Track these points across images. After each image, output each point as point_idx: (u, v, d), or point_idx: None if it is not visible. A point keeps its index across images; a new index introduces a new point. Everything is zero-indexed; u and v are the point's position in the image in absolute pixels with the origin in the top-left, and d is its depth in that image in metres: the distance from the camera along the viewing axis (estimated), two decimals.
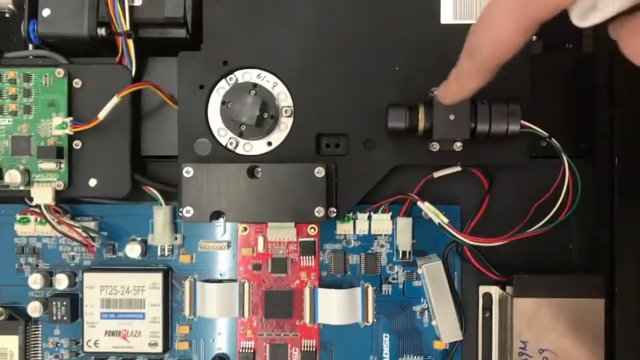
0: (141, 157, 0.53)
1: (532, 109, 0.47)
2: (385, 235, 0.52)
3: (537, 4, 0.29)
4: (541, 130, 0.47)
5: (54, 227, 0.50)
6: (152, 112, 0.53)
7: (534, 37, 0.52)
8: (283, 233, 0.51)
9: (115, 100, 0.48)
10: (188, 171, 0.48)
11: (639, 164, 0.48)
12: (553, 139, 0.47)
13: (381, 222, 0.51)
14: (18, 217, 0.52)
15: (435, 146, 0.48)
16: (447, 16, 0.49)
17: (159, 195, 0.52)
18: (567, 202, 0.48)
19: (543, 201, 0.49)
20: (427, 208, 0.49)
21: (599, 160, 0.51)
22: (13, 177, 0.49)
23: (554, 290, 0.45)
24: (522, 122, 0.46)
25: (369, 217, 0.51)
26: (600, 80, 0.51)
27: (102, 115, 0.48)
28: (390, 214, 0.51)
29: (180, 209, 0.48)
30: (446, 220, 0.48)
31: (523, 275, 0.46)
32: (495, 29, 0.31)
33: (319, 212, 0.47)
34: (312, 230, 0.51)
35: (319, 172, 0.47)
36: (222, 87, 0.50)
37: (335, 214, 0.49)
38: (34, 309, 0.52)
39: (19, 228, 0.52)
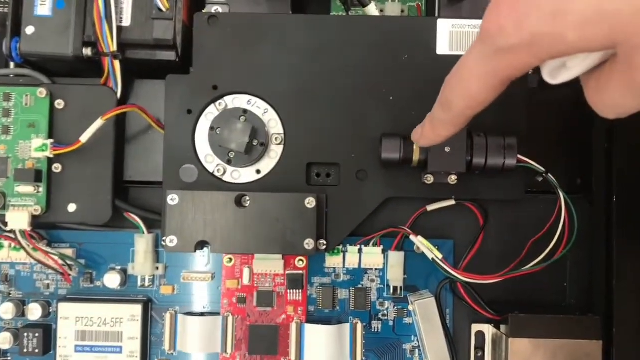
0: (123, 182, 0.51)
1: (528, 143, 0.47)
2: (376, 269, 0.51)
3: (506, 64, 0.30)
4: (538, 166, 0.46)
5: (28, 253, 0.48)
6: (136, 136, 0.51)
7: (530, 71, 0.52)
8: (270, 265, 0.49)
9: (99, 122, 0.46)
10: (173, 198, 0.46)
11: (637, 201, 0.47)
12: (550, 175, 0.47)
13: (372, 256, 0.50)
14: None
15: (430, 179, 0.47)
16: (443, 47, 0.48)
17: (141, 223, 0.50)
18: (564, 238, 0.47)
19: (538, 237, 0.48)
20: (420, 242, 0.47)
21: (595, 196, 0.50)
22: None
23: (551, 331, 0.44)
24: (519, 156, 0.46)
25: (360, 250, 0.50)
26: (597, 114, 0.50)
27: (84, 138, 0.47)
28: (382, 247, 0.50)
29: (164, 238, 0.46)
30: (440, 256, 0.47)
31: (519, 315, 0.45)
32: (467, 86, 0.33)
33: (309, 244, 0.46)
34: (301, 262, 0.50)
35: (310, 202, 0.46)
36: (211, 113, 0.49)
37: (325, 247, 0.47)
38: (4, 340, 0.50)
39: None
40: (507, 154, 0.45)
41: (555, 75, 0.31)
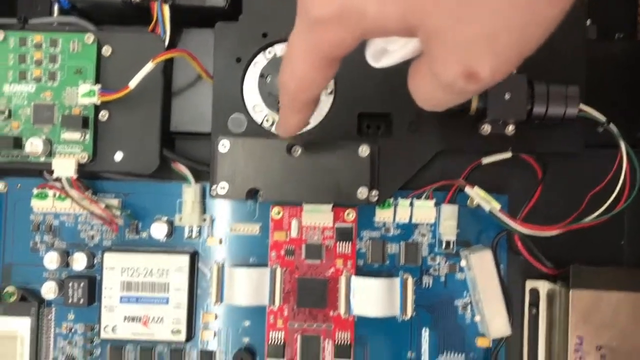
0: (170, 133, 0.50)
1: (588, 95, 0.46)
2: (428, 224, 0.50)
3: (321, 39, 0.30)
4: (599, 115, 0.45)
5: (75, 201, 0.48)
6: (183, 87, 0.51)
7: (589, 21, 0.51)
8: (319, 217, 0.49)
9: (149, 66, 0.46)
10: (224, 144, 0.45)
11: None
12: (612, 124, 0.45)
13: (424, 210, 0.49)
14: (35, 191, 0.49)
15: (487, 129, 0.46)
16: None
17: (188, 173, 0.49)
18: (624, 192, 0.46)
19: (598, 191, 0.47)
20: (476, 194, 0.47)
21: None
22: (35, 146, 0.47)
23: (614, 283, 0.43)
24: (581, 106, 0.45)
25: (411, 204, 0.49)
26: None
27: (133, 83, 0.46)
28: (434, 200, 0.49)
29: (214, 186, 0.46)
30: (498, 207, 0.46)
31: (581, 266, 0.44)
32: (294, 66, 0.32)
33: (362, 193, 0.45)
34: (350, 215, 0.49)
35: (363, 150, 0.45)
36: (260, 62, 0.48)
37: (376, 198, 0.47)
38: (49, 290, 0.49)
39: (35, 204, 0.49)
40: (568, 102, 0.44)
41: (378, 58, 0.31)
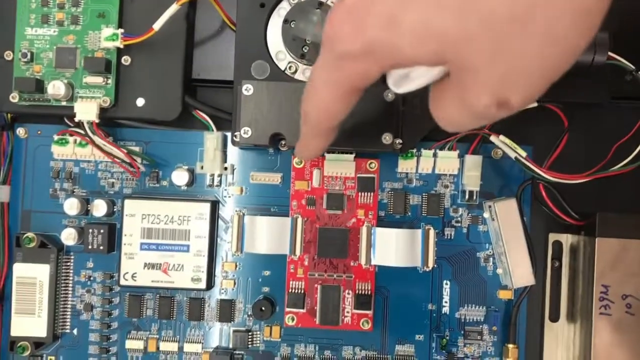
0: (192, 81, 0.50)
1: (615, 44, 0.45)
2: (451, 175, 0.49)
3: (348, 71, 0.30)
4: (627, 63, 0.45)
5: (96, 145, 0.48)
6: (206, 34, 0.51)
7: None
8: (341, 167, 0.48)
9: (174, 7, 0.46)
10: (247, 89, 0.45)
11: None
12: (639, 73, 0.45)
13: (447, 161, 0.48)
14: (56, 137, 0.49)
15: None
16: None
17: (210, 121, 0.49)
18: None
19: (623, 143, 0.47)
20: (502, 142, 0.46)
21: None
22: (57, 88, 0.47)
23: None
24: (609, 53, 0.44)
25: (434, 155, 0.48)
26: None
27: (157, 25, 0.46)
28: (457, 152, 0.48)
29: (235, 133, 0.45)
30: (524, 154, 0.45)
31: (608, 214, 0.43)
32: (318, 95, 0.33)
33: (387, 138, 0.45)
34: (372, 165, 0.49)
35: (389, 95, 0.45)
36: (284, 7, 0.48)
37: (400, 146, 0.46)
38: (68, 236, 0.49)
39: (56, 150, 0.49)
40: (597, 49, 0.44)
41: (400, 84, 0.31)
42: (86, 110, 0.47)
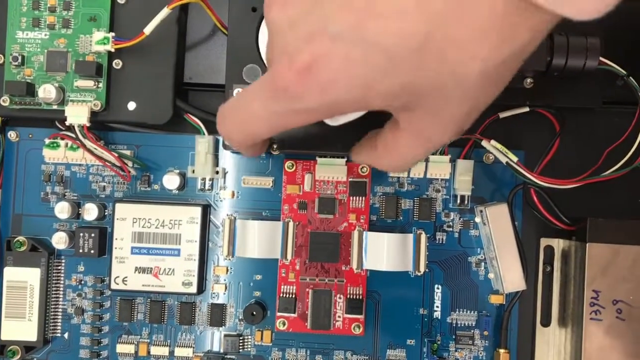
0: (183, 84, 0.50)
1: (606, 49, 0.45)
2: (442, 179, 0.49)
3: (298, 120, 0.31)
4: (619, 68, 0.45)
5: (87, 149, 0.48)
6: (197, 38, 0.51)
7: None
8: (332, 171, 0.48)
9: (165, 12, 0.46)
10: (238, 92, 0.45)
11: None
12: (631, 78, 0.45)
13: (439, 165, 0.48)
14: (47, 141, 0.49)
15: None
16: None
17: (201, 125, 0.49)
18: None
19: (615, 148, 0.47)
20: (493, 147, 0.46)
21: None
22: (48, 92, 0.47)
23: (632, 237, 0.43)
24: (601, 58, 0.44)
25: (426, 159, 0.48)
26: None
27: (148, 29, 0.46)
28: (449, 156, 0.48)
29: None
30: (515, 159, 0.45)
31: (599, 219, 0.43)
32: (249, 127, 0.33)
33: None
34: (364, 169, 0.49)
35: None
36: None
37: None
38: (59, 239, 0.49)
39: (47, 153, 0.49)
40: (589, 54, 0.44)
41: (336, 119, 0.35)
42: (77, 114, 0.47)
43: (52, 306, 0.50)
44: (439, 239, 0.50)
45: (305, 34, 0.27)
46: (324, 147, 0.46)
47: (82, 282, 0.50)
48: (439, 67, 0.26)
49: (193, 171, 0.49)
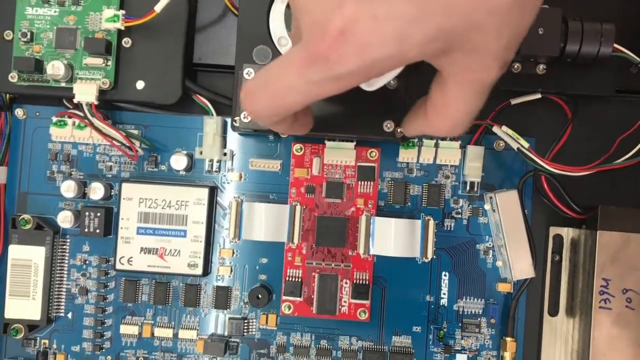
0: (193, 65, 0.50)
1: (621, 36, 0.45)
2: (452, 165, 0.49)
3: (337, 87, 0.30)
4: (633, 55, 0.45)
5: (94, 127, 0.48)
6: (208, 18, 0.50)
7: None
8: (341, 155, 0.48)
9: None
10: (249, 72, 0.45)
11: None
12: None
13: (449, 151, 0.48)
14: (54, 119, 0.49)
15: (517, 67, 0.45)
16: None
17: (210, 106, 0.49)
18: None
19: (627, 136, 0.47)
20: (504, 133, 0.46)
21: None
22: (56, 69, 0.47)
23: None
24: (615, 45, 0.44)
25: (436, 145, 0.48)
26: None
27: (159, 7, 0.46)
28: (460, 142, 0.48)
29: (236, 117, 0.45)
30: (527, 145, 0.45)
31: (610, 207, 0.43)
32: (282, 101, 0.32)
33: (389, 126, 0.44)
34: (373, 154, 0.49)
35: (392, 82, 0.44)
36: None
37: (402, 135, 0.46)
38: (65, 218, 0.49)
39: (54, 132, 0.49)
40: (603, 40, 0.44)
41: (372, 83, 0.34)
42: (85, 92, 0.47)
43: (57, 285, 0.50)
44: (447, 225, 0.49)
45: (332, 3, 0.28)
46: (333, 128, 0.46)
47: (87, 261, 0.50)
48: (468, 1, 0.27)
49: (201, 152, 0.49)
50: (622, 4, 0.47)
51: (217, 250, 0.50)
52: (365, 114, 0.45)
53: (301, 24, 0.30)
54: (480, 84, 0.31)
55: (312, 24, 0.29)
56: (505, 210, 0.46)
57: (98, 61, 0.47)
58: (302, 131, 0.40)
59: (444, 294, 0.49)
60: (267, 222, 0.48)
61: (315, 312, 0.48)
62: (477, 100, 0.32)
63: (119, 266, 0.49)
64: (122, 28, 0.47)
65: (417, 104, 0.37)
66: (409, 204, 0.50)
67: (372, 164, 0.49)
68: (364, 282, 0.48)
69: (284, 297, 0.48)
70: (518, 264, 0.46)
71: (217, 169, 0.50)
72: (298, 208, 0.48)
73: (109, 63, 0.48)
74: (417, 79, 0.46)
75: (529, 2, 0.29)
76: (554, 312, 0.48)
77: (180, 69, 0.48)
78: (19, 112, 0.50)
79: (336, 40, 0.28)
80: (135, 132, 0.50)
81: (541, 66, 0.46)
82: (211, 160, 0.50)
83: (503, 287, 0.49)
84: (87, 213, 0.49)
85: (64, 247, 0.50)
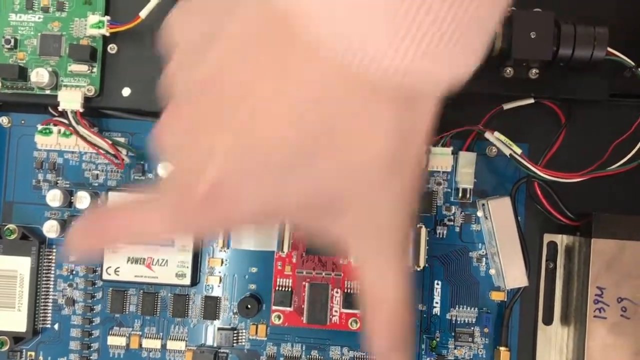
0: None
1: (615, 39, 0.44)
2: (444, 172, 0.49)
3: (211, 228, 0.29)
4: (627, 59, 0.44)
5: (80, 135, 0.47)
6: None
7: None
8: None
9: None
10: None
11: None
12: (639, 69, 0.44)
13: (441, 157, 0.47)
14: (39, 127, 0.48)
15: (509, 72, 0.45)
16: None
17: None
18: None
19: (621, 142, 0.46)
20: (497, 139, 0.45)
21: None
22: (40, 76, 0.46)
23: (638, 233, 0.42)
24: (608, 49, 0.43)
25: (427, 151, 0.47)
26: None
27: (144, 13, 0.45)
28: (452, 148, 0.47)
29: None
30: (519, 151, 0.44)
31: (604, 214, 0.43)
32: (142, 229, 0.29)
33: None
34: None
35: None
36: None
37: None
38: (50, 228, 0.48)
39: (39, 140, 0.48)
40: (596, 44, 0.43)
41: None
42: (70, 99, 0.46)
43: (43, 296, 0.49)
44: (439, 233, 0.49)
45: (194, 162, 0.25)
46: None
47: (74, 272, 0.50)
48: (329, 162, 0.24)
49: None
50: (616, 8, 0.46)
51: (206, 259, 0.49)
52: None
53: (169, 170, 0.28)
54: (391, 253, 0.27)
55: (177, 178, 0.27)
56: (498, 217, 0.46)
57: (83, 68, 0.47)
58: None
59: (437, 302, 0.49)
60: (256, 231, 0.47)
61: (305, 322, 0.47)
62: (397, 276, 0.27)
63: (105, 276, 0.48)
64: (108, 34, 0.46)
65: None
66: None
67: None
68: (355, 291, 0.48)
69: (273, 307, 0.48)
70: (511, 272, 0.46)
71: None
72: None
73: (94, 70, 0.47)
74: None
75: (406, 162, 0.25)
76: (548, 320, 0.48)
77: None
78: (4, 120, 0.50)
79: (203, 205, 0.25)
80: (122, 139, 0.49)
81: (534, 70, 0.45)
82: None
83: (496, 296, 0.48)
84: (73, 222, 0.48)
85: (50, 257, 0.50)
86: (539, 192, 0.46)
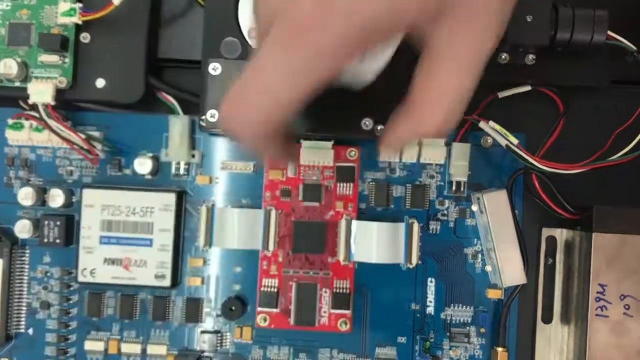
0: (157, 60, 0.47)
1: (615, 23, 0.42)
2: (437, 165, 0.47)
3: (335, 68, 0.28)
4: (629, 43, 0.42)
5: (52, 130, 0.45)
6: (173, 11, 0.48)
7: None
8: (318, 155, 0.46)
9: None
10: (215, 68, 0.42)
11: None
12: None
13: (433, 149, 0.46)
14: (10, 121, 0.46)
15: (505, 57, 0.43)
16: None
17: (176, 104, 0.46)
18: None
19: (623, 130, 0.44)
20: (492, 129, 0.43)
21: None
22: (9, 67, 0.44)
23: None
24: (609, 33, 0.42)
25: (419, 143, 0.45)
26: None
27: (117, 0, 0.43)
28: (444, 139, 0.45)
29: (202, 117, 0.42)
30: (516, 141, 0.43)
31: (605, 207, 0.41)
32: (245, 130, 0.31)
33: (367, 124, 0.42)
34: (352, 154, 0.46)
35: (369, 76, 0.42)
36: None
37: (382, 133, 0.43)
38: (23, 228, 0.46)
39: (10, 135, 0.46)
40: (596, 27, 0.41)
41: (360, 75, 0.34)
42: (41, 92, 0.44)
43: (16, 300, 0.47)
44: (432, 228, 0.47)
45: None
46: (308, 126, 0.43)
47: (48, 274, 0.47)
48: None
49: (167, 154, 0.46)
50: None
51: (186, 259, 0.47)
52: (342, 111, 0.42)
53: (268, 10, 0.28)
54: (476, 56, 0.29)
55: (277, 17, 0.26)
56: (494, 212, 0.44)
57: (54, 58, 0.45)
58: (291, 159, 0.40)
59: (430, 301, 0.47)
60: (240, 229, 0.45)
61: (293, 323, 0.46)
62: (470, 78, 0.30)
63: (81, 278, 0.46)
64: (80, 22, 0.44)
65: (398, 109, 0.34)
66: (392, 206, 0.47)
67: (352, 164, 0.46)
68: (344, 290, 0.46)
69: (259, 309, 0.46)
70: (508, 269, 0.44)
71: (186, 172, 0.47)
72: (273, 213, 0.45)
73: (66, 60, 0.45)
74: (396, 72, 0.44)
75: None
76: (547, 319, 0.46)
77: (143, 65, 0.45)
78: None
79: (318, 4, 0.25)
80: (97, 133, 0.47)
81: (530, 56, 0.43)
82: (178, 163, 0.47)
83: (493, 294, 0.46)
84: (46, 222, 0.46)
85: (23, 258, 0.47)
86: (536, 185, 0.44)
